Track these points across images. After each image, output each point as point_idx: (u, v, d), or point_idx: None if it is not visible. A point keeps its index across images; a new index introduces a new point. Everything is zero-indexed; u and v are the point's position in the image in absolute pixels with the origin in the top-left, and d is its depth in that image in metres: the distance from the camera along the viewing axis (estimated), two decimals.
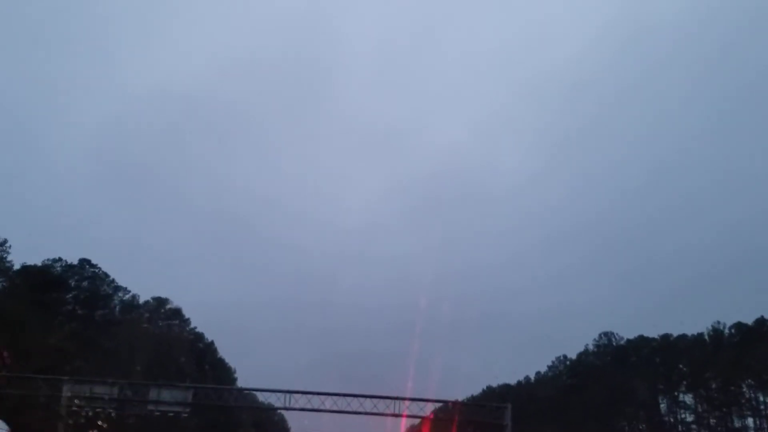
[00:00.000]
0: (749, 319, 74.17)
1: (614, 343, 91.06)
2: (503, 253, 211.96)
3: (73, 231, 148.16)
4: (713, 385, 75.98)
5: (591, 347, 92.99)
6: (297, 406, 47.82)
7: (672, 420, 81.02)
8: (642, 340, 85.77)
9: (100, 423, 50.09)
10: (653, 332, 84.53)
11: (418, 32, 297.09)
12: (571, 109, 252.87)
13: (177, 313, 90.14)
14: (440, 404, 60.83)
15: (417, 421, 61.44)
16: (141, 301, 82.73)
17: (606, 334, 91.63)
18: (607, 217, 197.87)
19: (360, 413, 47.71)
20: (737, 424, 73.57)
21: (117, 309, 77.41)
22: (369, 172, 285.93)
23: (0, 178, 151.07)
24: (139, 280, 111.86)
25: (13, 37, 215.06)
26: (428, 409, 51.94)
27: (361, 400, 47.75)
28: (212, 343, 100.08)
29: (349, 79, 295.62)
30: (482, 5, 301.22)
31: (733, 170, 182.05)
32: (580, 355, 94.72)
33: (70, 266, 71.84)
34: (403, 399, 48.51)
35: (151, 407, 46.47)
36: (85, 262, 73.16)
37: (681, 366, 79.71)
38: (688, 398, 79.25)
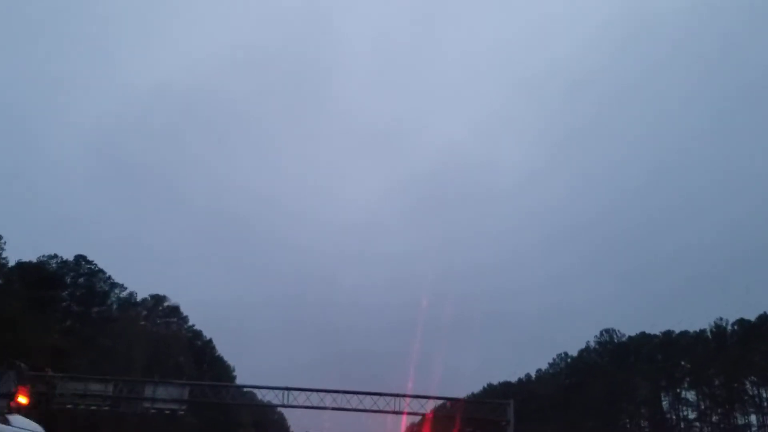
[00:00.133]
0: (750, 317, 73.78)
1: (615, 340, 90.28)
2: (504, 251, 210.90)
3: (72, 229, 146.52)
4: (716, 382, 75.31)
5: (592, 344, 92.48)
6: (296, 403, 47.15)
7: (674, 417, 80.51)
8: (644, 337, 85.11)
9: (95, 421, 49.46)
10: (654, 330, 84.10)
11: (417, 31, 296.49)
12: (571, 107, 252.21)
13: (175, 310, 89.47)
14: (441, 402, 60.14)
15: (418, 419, 60.56)
16: (139, 298, 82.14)
17: (607, 331, 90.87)
18: (608, 216, 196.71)
19: (360, 410, 46.94)
20: (740, 421, 73.07)
21: (114, 306, 76.64)
22: (369, 171, 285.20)
23: None
24: (137, 278, 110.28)
25: (12, 36, 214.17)
26: (429, 407, 51.27)
27: (361, 397, 46.90)
28: (210, 340, 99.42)
29: (348, 77, 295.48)
30: (482, 4, 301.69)
31: (733, 170, 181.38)
32: (581, 352, 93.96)
33: (66, 263, 71.08)
34: (404, 396, 47.69)
35: (146, 404, 45.71)
36: (81, 259, 72.34)
37: (683, 363, 79.10)
38: (691, 395, 78.71)
